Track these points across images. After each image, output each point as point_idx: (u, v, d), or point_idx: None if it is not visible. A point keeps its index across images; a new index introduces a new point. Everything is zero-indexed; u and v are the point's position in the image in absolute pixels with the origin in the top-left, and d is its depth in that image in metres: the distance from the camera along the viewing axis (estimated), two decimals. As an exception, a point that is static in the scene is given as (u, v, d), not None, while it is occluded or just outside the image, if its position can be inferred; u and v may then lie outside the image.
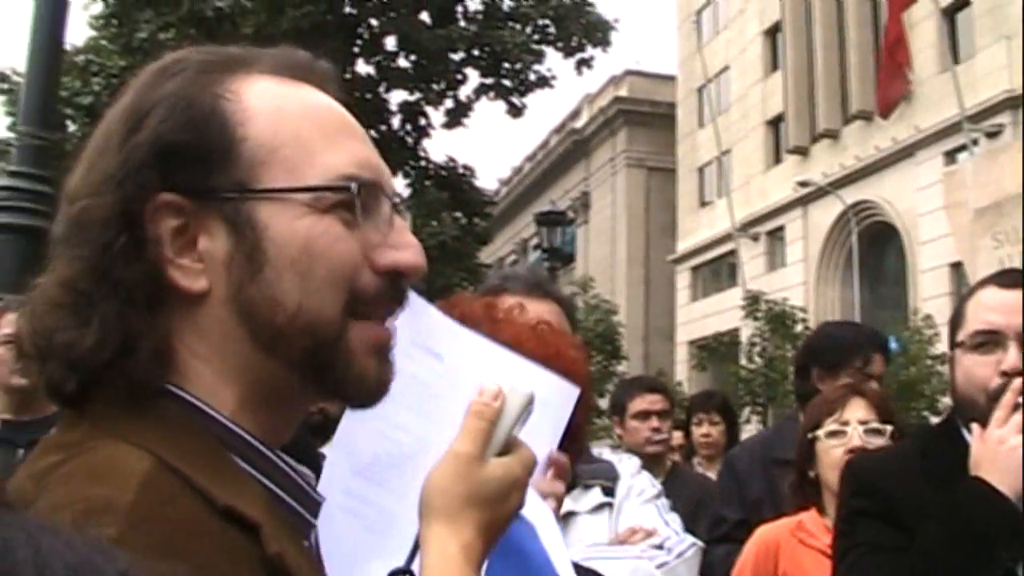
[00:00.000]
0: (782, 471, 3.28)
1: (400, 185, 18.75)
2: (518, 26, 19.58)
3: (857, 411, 2.96)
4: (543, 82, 19.91)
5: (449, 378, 1.36)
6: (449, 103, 20.00)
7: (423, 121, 20.08)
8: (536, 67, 19.77)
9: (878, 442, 2.88)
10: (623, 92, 48.34)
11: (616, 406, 5.02)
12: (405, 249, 1.02)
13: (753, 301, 28.77)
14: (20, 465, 0.93)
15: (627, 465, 3.00)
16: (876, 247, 32.33)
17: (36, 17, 5.39)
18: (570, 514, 2.70)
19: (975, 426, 2.09)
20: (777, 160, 37.57)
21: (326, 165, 0.98)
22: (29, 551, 0.53)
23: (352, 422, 1.38)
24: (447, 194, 19.37)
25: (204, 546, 0.83)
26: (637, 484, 2.92)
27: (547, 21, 19.75)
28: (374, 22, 19.05)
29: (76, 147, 1.03)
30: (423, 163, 20.12)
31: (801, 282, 34.68)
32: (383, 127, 19.17)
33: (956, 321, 2.29)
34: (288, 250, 0.95)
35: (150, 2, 16.90)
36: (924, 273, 29.14)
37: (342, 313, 0.97)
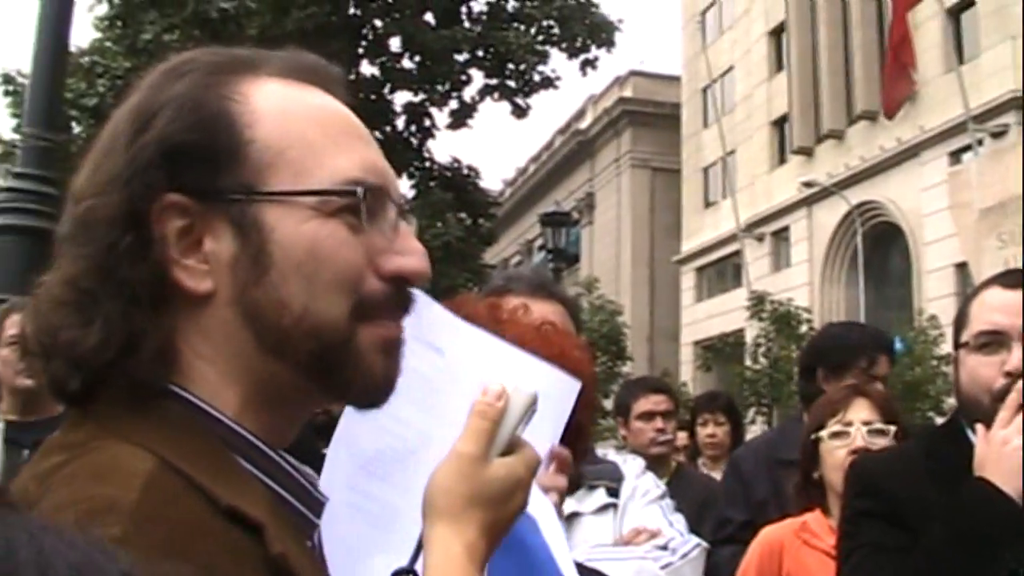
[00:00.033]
0: (787, 472, 3.28)
1: (404, 186, 18.74)
2: (522, 27, 19.56)
3: (860, 412, 2.96)
4: (547, 83, 19.88)
5: (450, 372, 1.37)
6: (453, 104, 20.00)
7: (427, 122, 20.07)
8: (540, 68, 19.75)
9: (881, 443, 2.87)
10: (627, 93, 48.29)
11: (620, 407, 5.02)
12: (410, 255, 1.02)
13: (758, 302, 28.75)
14: (25, 466, 0.94)
15: (631, 466, 3.00)
16: (881, 247, 32.30)
17: (41, 18, 5.39)
18: (574, 515, 2.69)
19: (979, 427, 2.09)
20: (782, 160, 37.53)
21: (333, 169, 0.98)
22: (32, 551, 0.53)
23: (353, 417, 1.38)
24: (451, 195, 19.34)
25: (207, 546, 0.83)
26: (641, 485, 2.92)
27: (551, 22, 19.71)
28: (378, 23, 19.04)
29: (81, 149, 1.03)
30: (427, 164, 20.10)
31: (806, 282, 34.65)
32: (387, 128, 19.16)
33: (960, 322, 2.28)
34: (293, 253, 0.95)
35: (154, 3, 16.90)
36: (929, 273, 29.10)
37: (349, 317, 0.97)
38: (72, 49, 10.13)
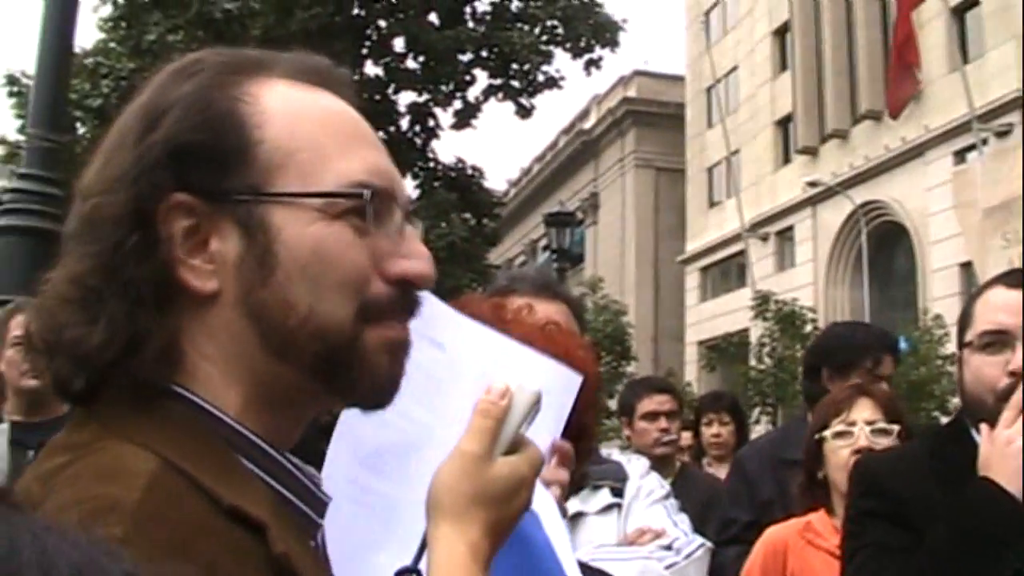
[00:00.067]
0: (792, 472, 3.27)
1: (409, 186, 18.71)
2: (526, 27, 19.54)
3: (864, 411, 2.96)
4: (551, 83, 19.87)
5: (451, 367, 1.37)
6: (458, 104, 19.98)
7: (432, 122, 20.06)
8: (544, 68, 19.73)
9: (885, 442, 2.87)
10: (632, 93, 48.26)
11: (624, 407, 5.02)
12: (415, 259, 1.02)
13: (762, 301, 28.71)
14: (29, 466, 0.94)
15: (636, 466, 2.99)
16: (885, 247, 32.25)
17: (45, 19, 5.40)
18: (579, 515, 2.69)
19: (984, 427, 2.09)
20: (786, 160, 37.48)
21: (340, 171, 0.98)
22: (34, 551, 0.53)
23: (354, 412, 1.38)
24: (456, 195, 19.35)
25: (210, 546, 0.83)
26: (646, 485, 2.91)
27: (555, 22, 19.70)
28: (382, 23, 19.05)
29: (85, 150, 1.03)
30: (432, 164, 20.10)
31: (810, 282, 34.60)
32: (392, 128, 19.16)
33: (964, 321, 2.28)
34: (299, 254, 0.95)
35: (159, 4, 16.92)
36: (934, 273, 29.05)
37: (354, 319, 0.97)
38: (76, 50, 10.13)
